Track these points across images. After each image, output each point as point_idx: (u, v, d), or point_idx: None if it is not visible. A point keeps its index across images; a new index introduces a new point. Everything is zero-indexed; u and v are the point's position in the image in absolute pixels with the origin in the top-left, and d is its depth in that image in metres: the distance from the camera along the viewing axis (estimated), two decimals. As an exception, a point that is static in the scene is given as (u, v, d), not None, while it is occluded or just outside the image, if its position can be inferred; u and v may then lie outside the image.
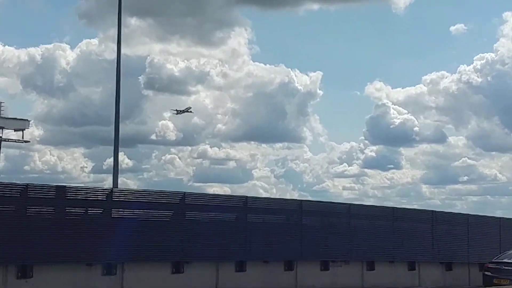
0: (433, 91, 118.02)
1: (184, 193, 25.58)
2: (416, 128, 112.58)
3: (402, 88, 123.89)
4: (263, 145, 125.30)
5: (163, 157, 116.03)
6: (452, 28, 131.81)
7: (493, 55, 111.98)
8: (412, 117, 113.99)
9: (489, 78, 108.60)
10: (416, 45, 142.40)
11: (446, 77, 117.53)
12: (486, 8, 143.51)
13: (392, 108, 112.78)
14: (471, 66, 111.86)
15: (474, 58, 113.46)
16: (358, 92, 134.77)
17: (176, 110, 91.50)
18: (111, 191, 23.90)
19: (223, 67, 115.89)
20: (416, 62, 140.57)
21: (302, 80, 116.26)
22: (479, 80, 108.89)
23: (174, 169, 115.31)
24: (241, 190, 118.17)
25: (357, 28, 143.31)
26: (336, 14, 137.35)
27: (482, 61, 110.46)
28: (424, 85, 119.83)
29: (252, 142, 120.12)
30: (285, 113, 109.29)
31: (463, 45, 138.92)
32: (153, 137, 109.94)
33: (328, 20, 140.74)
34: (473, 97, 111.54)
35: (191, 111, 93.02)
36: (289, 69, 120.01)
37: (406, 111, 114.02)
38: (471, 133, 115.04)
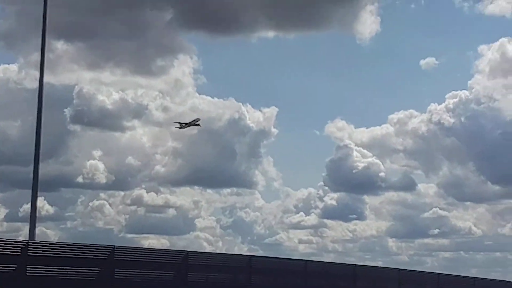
0: (400, 132, 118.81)
1: (114, 247, 25.13)
2: (381, 174, 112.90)
3: (367, 128, 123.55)
4: (209, 190, 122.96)
5: (90, 204, 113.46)
6: (422, 62, 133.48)
7: (467, 93, 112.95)
8: (378, 161, 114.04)
9: (462, 119, 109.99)
10: (382, 80, 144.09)
11: (415, 117, 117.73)
12: (460, 40, 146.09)
13: (355, 150, 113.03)
14: (443, 105, 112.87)
15: (446, 96, 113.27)
16: (318, 132, 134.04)
17: (180, 123, 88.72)
18: (27, 244, 23.18)
19: (164, 100, 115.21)
20: (382, 99, 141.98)
21: (254, 117, 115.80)
22: (452, 120, 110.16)
23: (103, 218, 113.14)
24: (181, 243, 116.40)
25: (317, 59, 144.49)
26: (294, 43, 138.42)
27: (455, 100, 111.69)
28: (391, 125, 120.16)
29: (196, 187, 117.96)
30: (234, 154, 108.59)
31: (434, 81, 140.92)
32: (80, 179, 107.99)
33: (285, 49, 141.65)
34: (445, 140, 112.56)
35: (198, 124, 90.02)
36: (240, 103, 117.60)
37: (370, 154, 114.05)
38: (442, 180, 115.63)
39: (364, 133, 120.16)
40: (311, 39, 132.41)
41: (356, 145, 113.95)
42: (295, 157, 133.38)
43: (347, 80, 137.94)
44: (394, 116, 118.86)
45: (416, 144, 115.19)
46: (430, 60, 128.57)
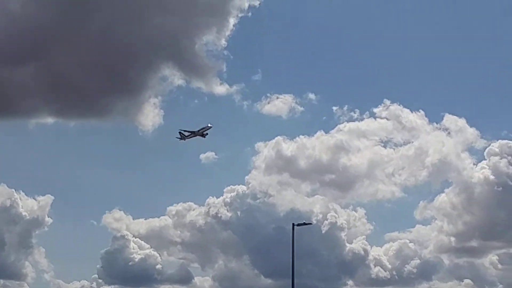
0: (178, 224, 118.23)
1: None
2: (158, 266, 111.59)
3: (145, 219, 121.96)
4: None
5: None
6: (202, 155, 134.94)
7: (244, 187, 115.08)
8: (155, 253, 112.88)
9: (239, 213, 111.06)
10: (162, 171, 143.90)
11: (194, 209, 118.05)
12: (239, 137, 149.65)
13: (133, 241, 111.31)
14: (221, 198, 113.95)
15: (224, 190, 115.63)
16: (95, 222, 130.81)
17: (181, 132, 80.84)
18: None
19: None
20: (162, 190, 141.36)
21: (27, 205, 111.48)
22: (229, 214, 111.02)
23: None
24: None
25: (97, 148, 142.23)
26: (75, 131, 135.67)
27: (233, 194, 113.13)
28: (170, 217, 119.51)
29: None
30: (3, 243, 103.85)
31: (213, 175, 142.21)
32: None
33: (64, 136, 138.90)
34: (222, 233, 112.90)
35: (206, 134, 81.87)
36: (12, 190, 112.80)
37: (148, 246, 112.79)
38: (218, 273, 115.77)
39: (142, 224, 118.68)
40: (92, 127, 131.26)
41: (134, 236, 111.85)
42: (69, 247, 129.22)
43: (127, 171, 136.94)
44: (172, 208, 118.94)
45: (193, 236, 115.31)
46: (210, 154, 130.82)
